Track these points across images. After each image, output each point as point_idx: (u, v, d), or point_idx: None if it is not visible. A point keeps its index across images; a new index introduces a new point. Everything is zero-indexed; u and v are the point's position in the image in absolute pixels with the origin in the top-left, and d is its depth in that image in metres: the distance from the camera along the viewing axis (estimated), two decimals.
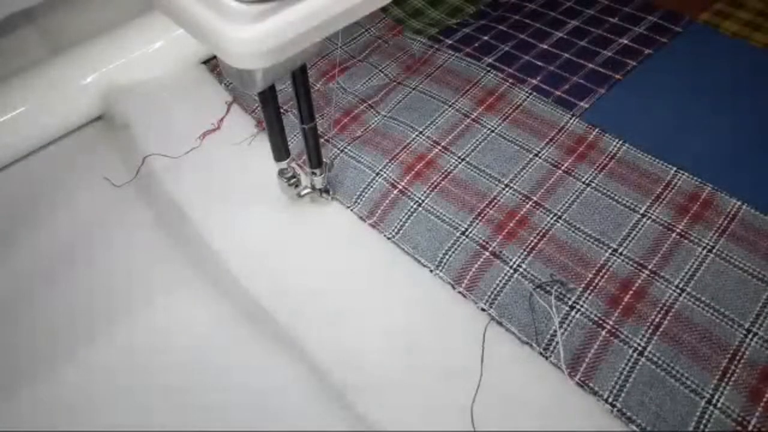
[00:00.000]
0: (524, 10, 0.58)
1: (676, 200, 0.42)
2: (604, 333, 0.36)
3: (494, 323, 0.37)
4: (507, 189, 0.44)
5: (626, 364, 0.35)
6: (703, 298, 0.37)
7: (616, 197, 0.42)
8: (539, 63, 0.52)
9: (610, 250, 0.40)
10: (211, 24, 0.27)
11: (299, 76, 0.36)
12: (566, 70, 0.52)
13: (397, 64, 0.54)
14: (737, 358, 0.35)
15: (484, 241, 0.41)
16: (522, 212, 0.42)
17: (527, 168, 0.45)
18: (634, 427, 0.33)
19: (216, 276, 0.43)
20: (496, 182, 0.44)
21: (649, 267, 0.39)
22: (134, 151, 0.49)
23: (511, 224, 0.42)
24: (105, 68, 0.53)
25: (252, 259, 0.42)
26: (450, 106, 0.49)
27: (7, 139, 0.51)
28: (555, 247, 0.40)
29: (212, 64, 0.56)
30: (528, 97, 0.49)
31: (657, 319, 0.37)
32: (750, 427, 0.33)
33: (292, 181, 0.43)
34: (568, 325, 0.37)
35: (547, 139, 0.46)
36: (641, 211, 0.42)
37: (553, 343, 0.36)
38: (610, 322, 0.37)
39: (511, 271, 0.39)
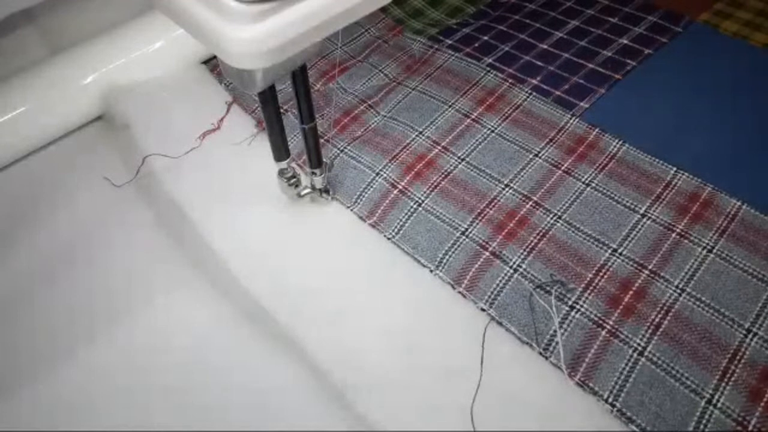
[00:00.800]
0: (524, 10, 0.58)
1: (676, 200, 0.42)
2: (604, 333, 0.36)
3: (494, 323, 0.37)
4: (507, 189, 0.44)
5: (626, 364, 0.35)
6: (703, 299, 0.37)
7: (616, 197, 0.42)
8: (539, 63, 0.52)
9: (609, 251, 0.40)
10: (211, 24, 0.27)
11: (299, 76, 0.36)
12: (566, 70, 0.52)
13: (397, 64, 0.54)
14: (737, 357, 0.35)
15: (484, 241, 0.41)
16: (522, 212, 0.42)
17: (527, 168, 0.45)
18: (634, 427, 0.33)
19: (216, 276, 0.43)
20: (496, 182, 0.44)
21: (649, 267, 0.39)
22: (134, 151, 0.49)
23: (511, 224, 0.42)
24: (105, 68, 0.53)
25: (252, 259, 0.42)
26: (450, 106, 0.49)
27: (8, 139, 0.51)
28: (555, 247, 0.40)
29: (212, 64, 0.56)
30: (528, 97, 0.49)
31: (657, 320, 0.37)
32: (750, 427, 0.33)
33: (292, 181, 0.43)
34: (568, 325, 0.37)
35: (547, 139, 0.46)
36: (641, 212, 0.42)
37: (553, 343, 0.36)
38: (610, 322, 0.37)
39: (512, 271, 0.39)
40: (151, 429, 0.37)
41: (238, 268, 0.42)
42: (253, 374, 0.39)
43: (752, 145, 0.45)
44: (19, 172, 0.52)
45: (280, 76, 0.35)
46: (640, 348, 0.36)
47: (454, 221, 0.42)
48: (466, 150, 0.46)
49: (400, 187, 0.44)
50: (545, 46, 0.54)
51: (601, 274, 0.39)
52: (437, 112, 0.49)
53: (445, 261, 0.40)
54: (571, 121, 0.47)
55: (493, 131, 0.47)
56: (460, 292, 0.39)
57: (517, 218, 0.42)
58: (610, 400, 0.34)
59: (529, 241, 0.41)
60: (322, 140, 0.46)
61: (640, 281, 0.38)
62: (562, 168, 0.45)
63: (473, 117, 0.48)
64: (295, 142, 0.47)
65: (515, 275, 0.39)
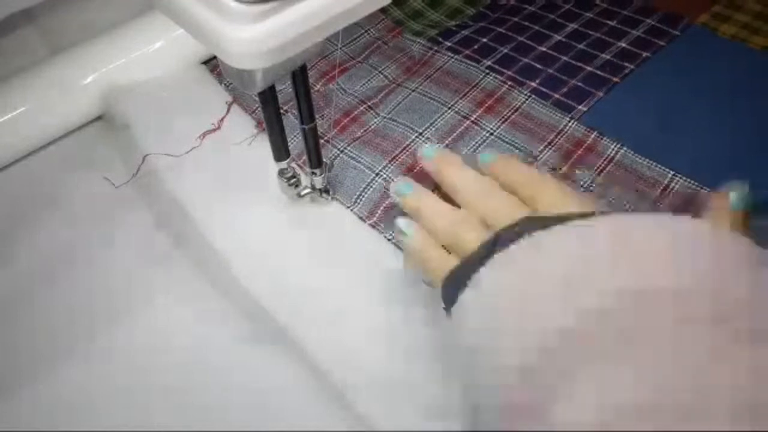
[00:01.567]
0: (523, 12, 0.59)
1: (673, 205, 0.42)
2: None
3: None
4: None
5: None
6: None
7: (614, 202, 0.42)
8: (538, 66, 0.53)
9: None
10: (211, 24, 0.27)
11: (299, 76, 0.36)
12: (565, 73, 0.52)
13: (396, 65, 0.55)
14: None
15: None
16: None
17: None
18: None
19: (216, 276, 0.43)
20: None
21: None
22: (134, 151, 0.49)
23: None
24: (105, 68, 0.53)
25: (252, 259, 0.42)
26: (449, 108, 0.49)
27: (7, 139, 0.51)
28: None
29: (212, 64, 0.56)
30: (527, 99, 0.49)
31: None
32: None
33: (292, 181, 0.43)
34: None
35: (546, 142, 0.46)
36: None
37: None
38: None
39: None
40: (151, 429, 0.37)
41: (237, 267, 0.42)
42: (252, 374, 0.39)
43: (749, 149, 0.45)
44: (19, 172, 0.52)
45: (281, 76, 0.35)
46: None
47: None
48: (466, 152, 0.46)
49: None
50: (544, 49, 0.54)
51: None
52: (437, 114, 0.49)
53: None
54: (570, 124, 0.47)
55: (492, 134, 0.47)
56: None
57: None
58: None
59: None
60: (322, 141, 0.46)
61: None
62: (560, 172, 0.45)
63: (472, 119, 0.48)
64: (295, 142, 0.47)
65: None
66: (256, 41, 0.27)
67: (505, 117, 0.48)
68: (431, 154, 0.39)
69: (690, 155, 0.45)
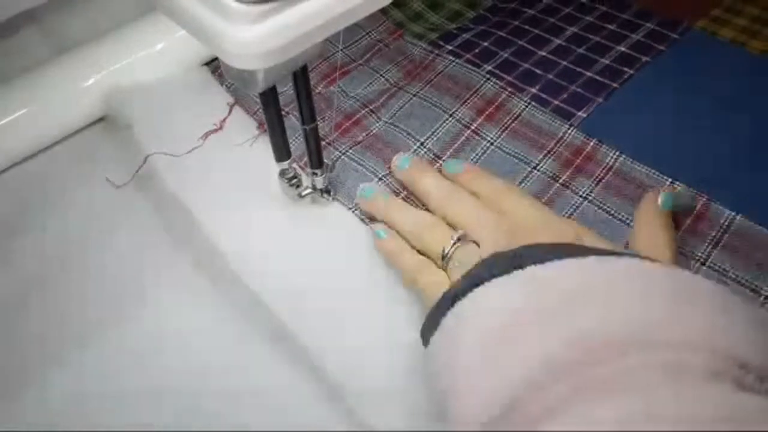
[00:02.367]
0: (523, 15, 0.59)
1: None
2: None
3: None
4: None
5: None
6: None
7: (612, 211, 0.43)
8: (538, 71, 0.53)
9: None
10: (212, 24, 0.28)
11: (300, 77, 0.37)
12: (564, 78, 0.52)
13: (397, 69, 0.55)
14: None
15: None
16: None
17: (525, 182, 0.45)
18: None
19: (216, 276, 0.44)
20: None
21: None
22: (137, 152, 0.49)
23: None
24: (107, 69, 0.53)
25: (252, 259, 0.42)
26: (450, 115, 0.49)
27: (10, 141, 0.51)
28: None
29: (214, 65, 0.56)
30: (527, 107, 0.49)
31: None
32: None
33: (294, 181, 0.43)
34: None
35: (545, 151, 0.46)
36: None
37: None
38: None
39: None
40: (151, 429, 0.37)
41: (238, 267, 0.42)
42: (252, 374, 0.39)
43: (747, 154, 0.45)
44: (21, 173, 0.52)
45: (282, 77, 0.35)
46: None
47: None
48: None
49: (401, 197, 0.44)
50: (544, 53, 0.54)
51: None
52: (438, 122, 0.49)
53: None
54: (569, 131, 0.47)
55: (492, 143, 0.47)
56: None
57: None
58: None
59: None
60: (323, 143, 0.46)
61: None
62: (560, 181, 0.45)
63: (473, 128, 0.48)
64: (296, 144, 0.47)
65: None
66: (257, 41, 0.27)
67: (505, 125, 0.48)
68: (405, 165, 0.41)
69: (687, 161, 0.45)
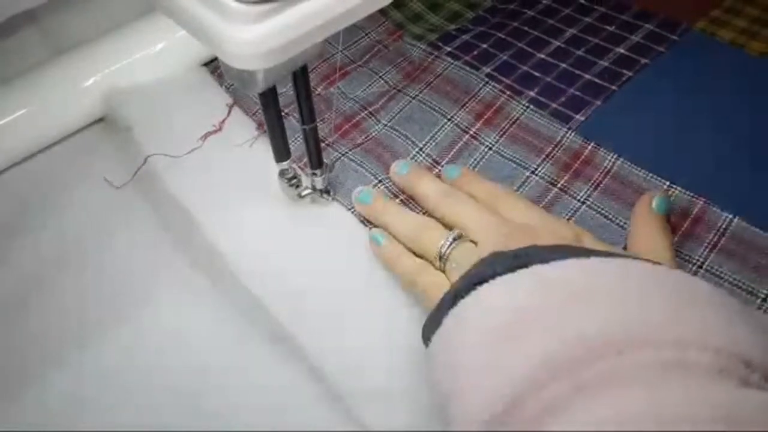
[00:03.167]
0: (523, 17, 0.58)
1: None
2: None
3: None
4: None
5: None
6: None
7: (610, 216, 0.43)
8: (537, 73, 0.52)
9: None
10: (212, 24, 0.28)
11: (300, 77, 0.37)
12: (563, 81, 0.52)
13: (397, 70, 0.55)
14: None
15: None
16: None
17: (523, 187, 0.45)
18: None
19: (216, 276, 0.44)
20: None
21: None
22: (136, 152, 0.50)
23: None
24: (107, 70, 0.53)
25: (252, 259, 0.42)
26: (449, 119, 0.49)
27: (9, 141, 0.51)
28: None
29: (213, 65, 0.56)
30: (525, 110, 0.49)
31: None
32: None
33: (293, 181, 0.43)
34: None
35: (544, 155, 0.46)
36: None
37: None
38: None
39: None
40: (151, 429, 0.37)
41: (238, 267, 0.42)
42: (252, 375, 0.40)
43: (745, 157, 0.45)
44: (20, 174, 0.52)
45: (282, 77, 0.35)
46: None
47: None
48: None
49: (400, 200, 0.44)
50: (543, 56, 0.54)
51: None
52: (436, 126, 0.49)
53: None
54: (568, 135, 0.47)
55: (490, 148, 0.47)
56: None
57: None
58: None
59: None
60: (323, 145, 0.47)
61: None
62: (558, 185, 0.45)
63: (471, 132, 0.48)
64: (296, 144, 0.47)
65: None
66: (256, 42, 0.27)
67: (504, 130, 0.48)
68: (404, 171, 0.41)
69: (685, 164, 0.45)
